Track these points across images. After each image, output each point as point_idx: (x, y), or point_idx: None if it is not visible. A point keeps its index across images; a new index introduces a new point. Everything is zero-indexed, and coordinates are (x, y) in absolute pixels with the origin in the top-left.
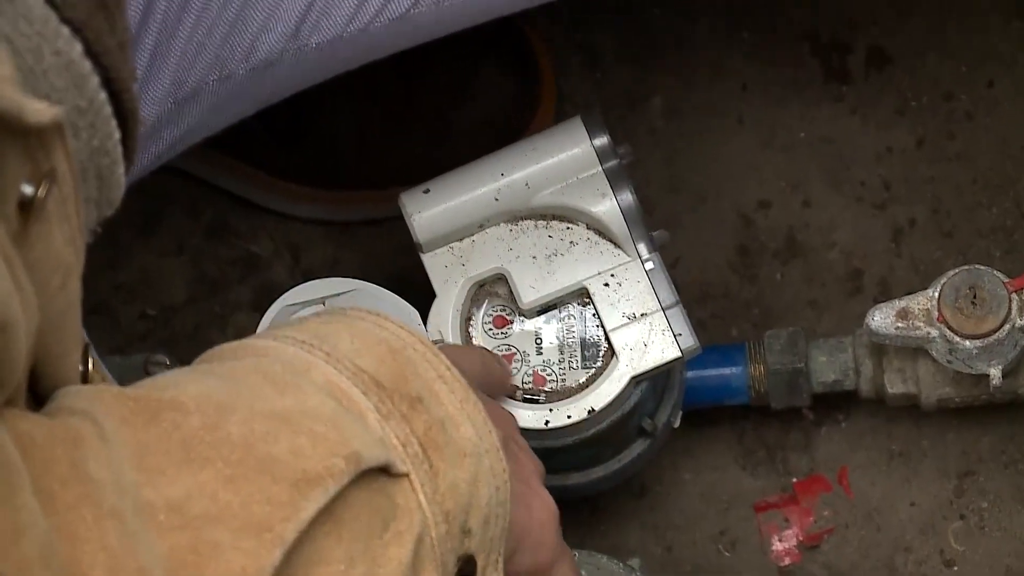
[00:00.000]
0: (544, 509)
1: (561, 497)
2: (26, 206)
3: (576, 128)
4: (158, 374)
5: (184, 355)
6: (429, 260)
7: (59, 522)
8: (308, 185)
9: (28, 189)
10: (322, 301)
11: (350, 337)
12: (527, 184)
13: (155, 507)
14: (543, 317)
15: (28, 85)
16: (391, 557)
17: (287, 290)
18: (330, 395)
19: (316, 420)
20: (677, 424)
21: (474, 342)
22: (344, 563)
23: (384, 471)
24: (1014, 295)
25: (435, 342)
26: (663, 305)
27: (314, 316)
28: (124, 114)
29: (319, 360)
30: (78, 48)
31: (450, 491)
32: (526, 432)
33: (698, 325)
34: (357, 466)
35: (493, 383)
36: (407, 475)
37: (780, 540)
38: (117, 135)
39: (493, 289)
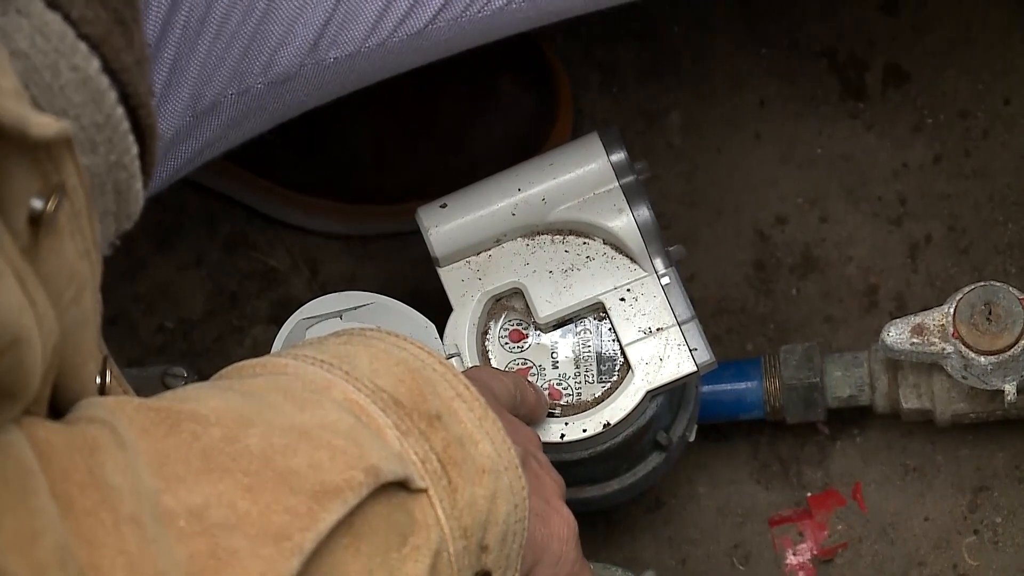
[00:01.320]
0: (564, 525)
1: (576, 510)
2: (36, 220)
3: (593, 144)
4: (178, 387)
5: (202, 368)
6: (446, 274)
7: (77, 527)
8: (326, 199)
9: (38, 203)
10: (339, 315)
11: (369, 357)
12: (544, 199)
13: (175, 514)
14: (559, 331)
15: (45, 101)
16: (408, 571)
17: (304, 303)
18: (349, 412)
19: (335, 434)
20: (692, 438)
21: (490, 356)
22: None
23: (403, 486)
24: None
25: (450, 356)
26: (679, 320)
27: (333, 336)
28: (142, 129)
29: (338, 379)
30: (95, 64)
31: (468, 507)
32: (543, 447)
33: (714, 340)
34: (376, 479)
35: (527, 407)
36: (426, 491)
37: (794, 554)
38: (135, 150)
39: (510, 303)
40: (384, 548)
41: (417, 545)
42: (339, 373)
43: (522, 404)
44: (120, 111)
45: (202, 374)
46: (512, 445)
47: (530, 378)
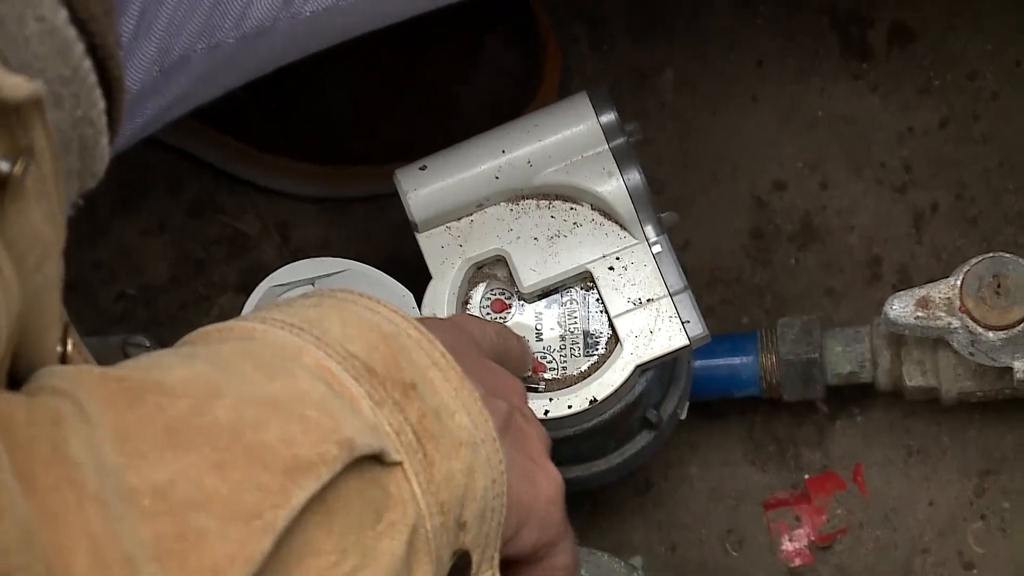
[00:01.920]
0: (551, 484)
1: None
2: (2, 184)
3: (582, 104)
4: (140, 355)
5: (165, 338)
6: (425, 240)
7: (40, 505)
8: (299, 160)
9: (4, 166)
10: (312, 282)
11: (341, 322)
12: (529, 162)
13: (139, 492)
14: (544, 302)
15: (11, 54)
16: (384, 549)
17: (275, 270)
18: (321, 380)
19: (307, 405)
20: (684, 416)
21: None
22: (335, 555)
23: (377, 460)
24: None
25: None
26: (671, 290)
27: (302, 298)
28: (109, 83)
29: (309, 344)
30: (63, 15)
31: (445, 482)
32: None
33: (707, 312)
34: (350, 453)
35: (511, 358)
36: (401, 464)
37: (790, 540)
38: (102, 104)
39: (492, 271)
40: (358, 525)
41: (393, 521)
42: (309, 338)
43: (505, 354)
44: (88, 63)
45: (164, 345)
46: (489, 417)
47: None
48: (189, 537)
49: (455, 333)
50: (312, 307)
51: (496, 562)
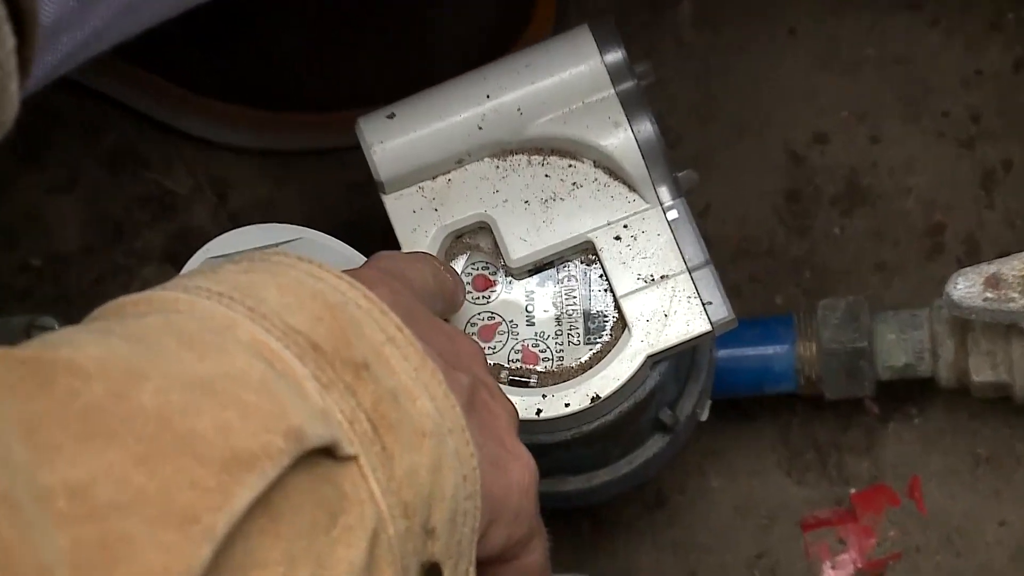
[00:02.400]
0: (524, 472)
1: (555, 507)
2: None
3: (583, 39)
4: (48, 333)
5: (77, 318)
6: (393, 203)
7: None
8: (240, 104)
9: None
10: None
11: (278, 289)
12: (519, 109)
13: (53, 492)
14: (536, 278)
15: None
16: (340, 558)
17: (211, 238)
18: (259, 357)
19: (245, 387)
20: (704, 417)
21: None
22: (284, 565)
23: (328, 453)
24: None
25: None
26: (689, 265)
27: (230, 263)
28: (20, 16)
29: (242, 316)
30: None
31: (408, 478)
32: None
33: (733, 291)
34: (298, 445)
35: (445, 299)
36: (355, 458)
37: (833, 567)
38: (12, 42)
39: (473, 241)
40: (310, 530)
41: (349, 526)
42: (242, 309)
43: (441, 296)
44: None
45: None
46: (456, 402)
47: (498, 337)
48: (114, 545)
49: (398, 290)
50: (242, 273)
51: None
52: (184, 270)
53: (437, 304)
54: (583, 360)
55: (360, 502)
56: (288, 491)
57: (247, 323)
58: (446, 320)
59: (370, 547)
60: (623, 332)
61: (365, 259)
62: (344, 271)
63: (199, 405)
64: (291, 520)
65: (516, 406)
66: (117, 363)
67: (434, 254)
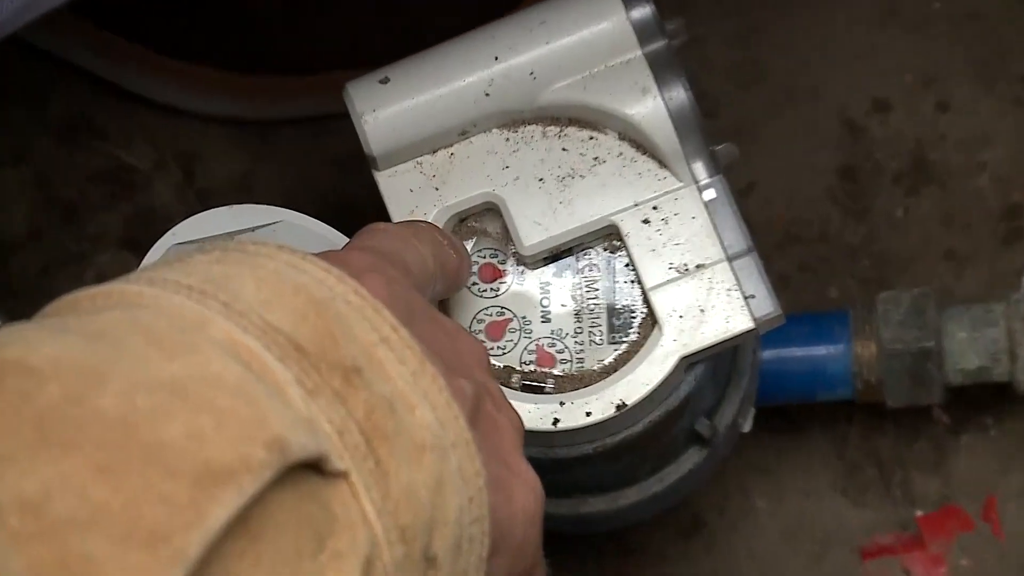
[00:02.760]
0: (529, 496)
1: (575, 532)
2: None
3: None
4: None
5: (23, 313)
6: (387, 181)
7: None
8: (208, 66)
9: None
10: (229, 237)
11: (255, 283)
12: (532, 73)
13: (4, 507)
14: (552, 268)
15: None
16: None
17: (177, 221)
18: (236, 358)
19: (220, 391)
20: (747, 428)
21: (450, 303)
22: None
23: (315, 469)
24: None
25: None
26: (729, 253)
27: (200, 253)
28: None
29: (215, 313)
30: None
31: (406, 499)
32: (526, 436)
33: (780, 282)
34: (281, 457)
35: (447, 279)
36: (346, 475)
37: None
38: None
39: (480, 225)
40: (294, 555)
41: (339, 551)
42: (216, 305)
43: (443, 273)
44: None
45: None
46: (460, 412)
47: (509, 335)
48: (74, 567)
49: (394, 279)
50: (215, 263)
51: None
52: (146, 259)
53: (437, 286)
54: (606, 362)
55: (351, 525)
56: (270, 510)
57: (221, 320)
58: (447, 313)
59: (363, 575)
60: (652, 330)
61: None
62: (328, 253)
63: (168, 410)
64: (273, 543)
65: (530, 415)
66: (74, 363)
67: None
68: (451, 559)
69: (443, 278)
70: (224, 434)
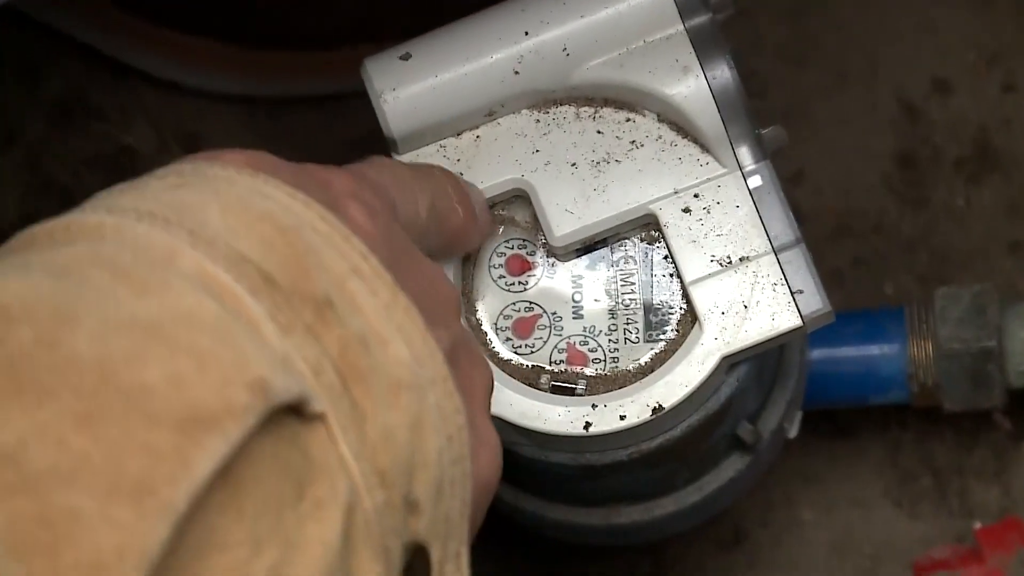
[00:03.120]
0: (491, 459)
1: (608, 544)
2: None
3: None
4: None
5: None
6: None
7: None
8: (214, 39)
9: None
10: None
11: (220, 209)
12: (565, 50)
13: None
14: (585, 260)
15: None
16: (311, 537)
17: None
18: (209, 293)
19: (198, 330)
20: (794, 434)
21: (476, 297)
22: (247, 546)
23: (293, 412)
24: None
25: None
26: (775, 244)
27: (155, 179)
28: None
29: (182, 242)
30: None
31: (383, 441)
32: (555, 441)
33: (832, 277)
34: (265, 400)
35: (445, 235)
36: (323, 417)
37: None
38: None
39: (508, 214)
40: (276, 504)
41: (319, 498)
42: (182, 233)
43: (437, 227)
44: None
45: None
46: (438, 347)
47: (538, 332)
48: (57, 522)
49: (374, 210)
50: (175, 189)
51: (464, 561)
52: None
53: (430, 240)
54: (642, 362)
55: (331, 471)
56: (252, 458)
57: (189, 251)
58: (471, 307)
59: (345, 526)
60: (692, 328)
61: None
62: (308, 168)
63: (145, 352)
64: (254, 493)
65: (560, 418)
66: (43, 302)
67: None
68: (433, 503)
69: (439, 234)
70: (205, 377)
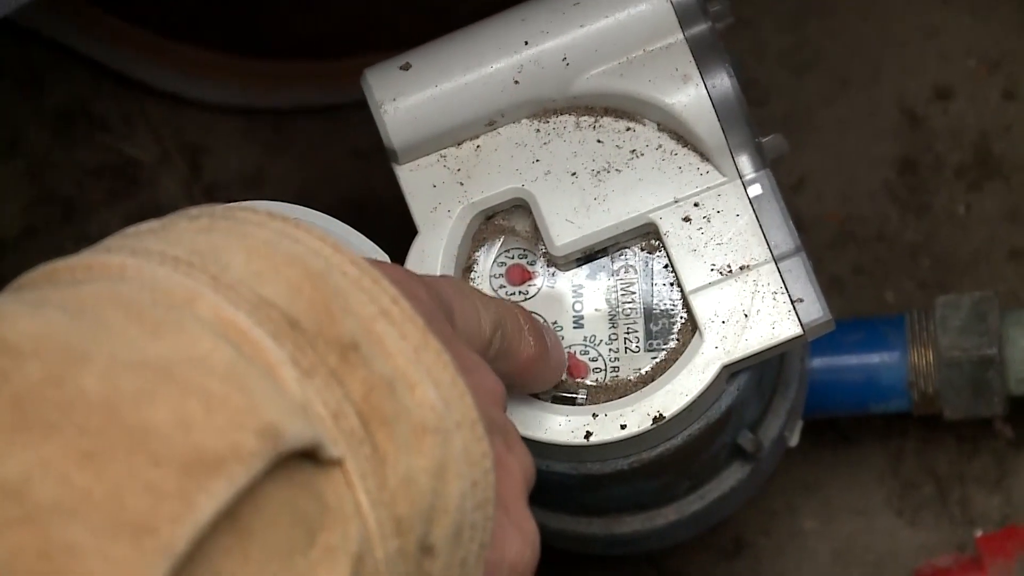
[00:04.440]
0: (524, 547)
1: (609, 553)
2: None
3: None
4: None
5: None
6: (408, 176)
7: None
8: (217, 51)
9: None
10: None
11: (246, 253)
12: (565, 59)
13: None
14: (586, 269)
15: None
16: None
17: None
18: (225, 338)
19: (209, 374)
20: (794, 442)
21: None
22: None
23: (308, 457)
24: None
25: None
26: (775, 253)
27: (185, 220)
28: None
29: (204, 287)
30: None
31: (404, 488)
32: (556, 450)
33: (832, 285)
34: (274, 446)
35: (514, 359)
36: (341, 463)
37: None
38: None
39: (508, 223)
40: (285, 551)
41: (330, 546)
42: (204, 278)
43: (503, 351)
44: None
45: None
46: (468, 391)
47: None
48: (56, 555)
49: (419, 297)
50: (202, 233)
51: None
52: None
53: (497, 364)
54: (643, 371)
55: (344, 518)
56: (260, 502)
57: (210, 295)
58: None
59: (353, 572)
60: (692, 337)
61: (374, 245)
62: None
63: (153, 393)
64: (262, 538)
65: (560, 427)
66: (53, 340)
67: (459, 240)
68: (450, 547)
69: (507, 359)
70: (213, 420)
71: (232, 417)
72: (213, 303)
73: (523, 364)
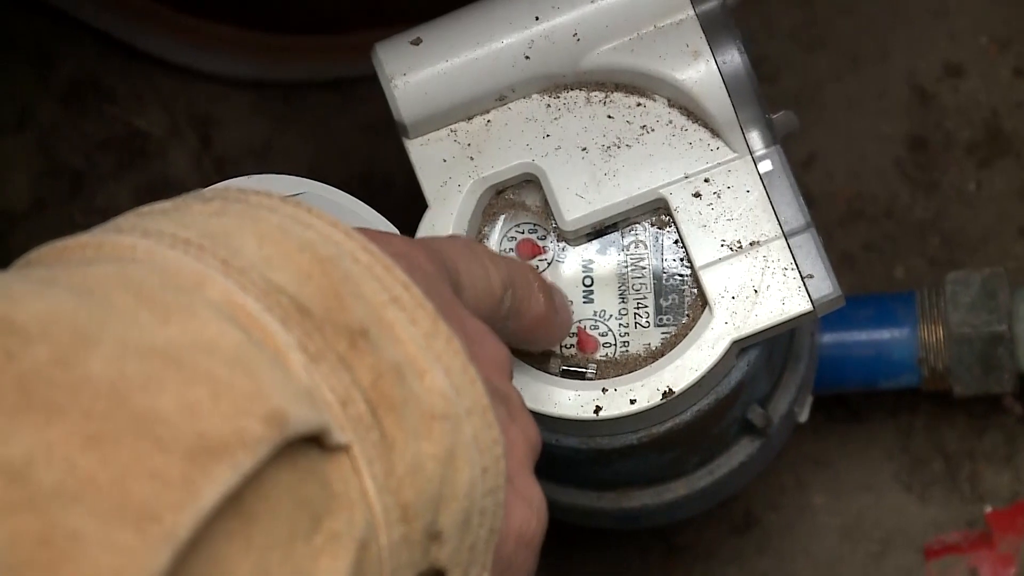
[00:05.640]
0: (530, 517)
1: (619, 528)
2: None
3: None
4: None
5: None
6: (419, 150)
7: None
8: (227, 23)
9: None
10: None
11: (257, 238)
12: (576, 34)
13: None
14: (596, 244)
15: None
16: (322, 571)
17: (192, 191)
18: (234, 322)
19: (217, 359)
20: (804, 418)
21: None
22: None
23: (315, 442)
24: None
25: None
26: (785, 229)
27: (197, 202)
28: None
29: (213, 271)
30: None
31: (411, 475)
32: (565, 424)
33: (842, 261)
34: (281, 432)
35: (524, 318)
36: (347, 449)
37: None
38: None
39: (518, 198)
40: (288, 537)
41: (335, 532)
42: (213, 262)
43: (514, 310)
44: None
45: None
46: (479, 377)
47: None
48: (57, 542)
49: (420, 266)
50: (213, 216)
51: None
52: None
53: (508, 323)
54: (653, 346)
55: (350, 504)
56: (265, 488)
57: (220, 279)
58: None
59: (357, 558)
60: (702, 312)
61: (383, 218)
62: (356, 229)
63: (160, 379)
64: (266, 524)
65: (570, 402)
66: (62, 322)
67: (469, 215)
68: (458, 534)
69: (518, 317)
70: (219, 406)
71: (238, 403)
72: (223, 287)
73: (532, 322)
